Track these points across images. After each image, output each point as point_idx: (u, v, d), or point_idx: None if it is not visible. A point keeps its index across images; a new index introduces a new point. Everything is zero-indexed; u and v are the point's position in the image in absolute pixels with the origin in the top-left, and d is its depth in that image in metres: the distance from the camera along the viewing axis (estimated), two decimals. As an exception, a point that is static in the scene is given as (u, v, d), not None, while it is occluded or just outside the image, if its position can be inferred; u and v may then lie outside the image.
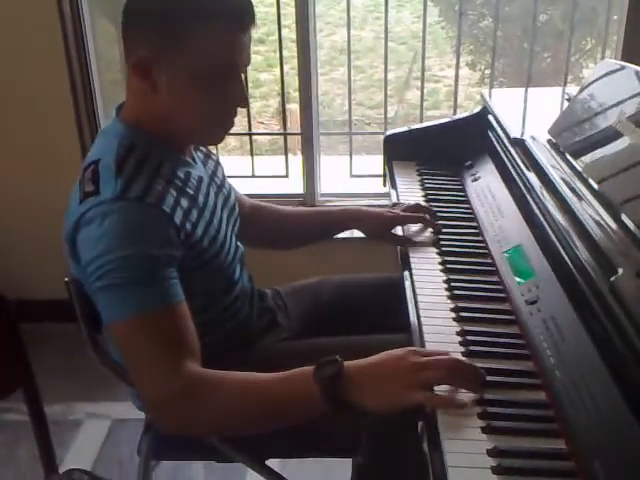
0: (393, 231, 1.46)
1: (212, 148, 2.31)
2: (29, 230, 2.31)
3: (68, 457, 1.89)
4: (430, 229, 1.44)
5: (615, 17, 2.33)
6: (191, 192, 1.14)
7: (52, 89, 2.21)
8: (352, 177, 2.47)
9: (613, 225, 1.08)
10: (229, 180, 1.36)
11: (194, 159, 1.22)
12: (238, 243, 1.30)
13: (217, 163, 1.31)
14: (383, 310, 1.38)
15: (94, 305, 1.12)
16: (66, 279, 1.17)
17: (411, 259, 1.35)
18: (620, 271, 0.96)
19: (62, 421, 2.01)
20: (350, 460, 1.40)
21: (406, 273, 1.30)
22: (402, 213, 1.47)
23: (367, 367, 0.98)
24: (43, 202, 2.16)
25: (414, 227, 1.46)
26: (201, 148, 1.29)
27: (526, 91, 2.04)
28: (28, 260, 2.33)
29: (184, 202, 1.11)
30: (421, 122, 2.24)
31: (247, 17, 1.08)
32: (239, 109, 1.15)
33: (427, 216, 1.46)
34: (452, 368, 0.96)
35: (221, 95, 1.09)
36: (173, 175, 1.12)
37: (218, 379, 1.02)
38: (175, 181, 1.12)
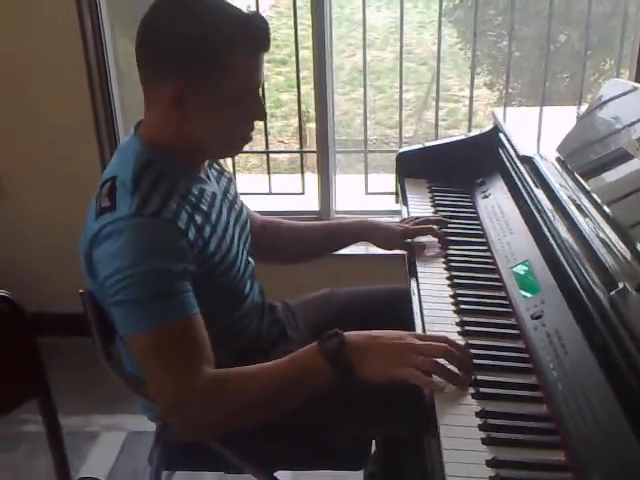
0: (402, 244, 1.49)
1: (230, 165, 2.38)
2: (47, 243, 2.35)
3: (84, 468, 1.93)
4: (437, 241, 1.46)
5: (632, 38, 2.34)
6: (205, 208, 1.18)
7: (73, 105, 2.26)
8: (367, 194, 2.51)
9: (617, 242, 1.09)
10: (244, 197, 1.40)
11: (208, 176, 1.25)
12: (249, 258, 1.33)
13: (230, 180, 1.35)
14: (392, 321, 1.39)
15: (108, 317, 1.15)
16: (81, 290, 1.20)
17: (419, 273, 1.36)
18: (620, 285, 0.97)
19: (78, 433, 2.04)
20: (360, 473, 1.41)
21: (413, 285, 1.32)
22: (412, 227, 1.50)
23: (367, 338, 1.06)
24: (61, 216, 2.21)
25: (424, 240, 1.48)
26: (215, 165, 1.32)
27: (541, 110, 2.05)
28: (46, 273, 2.37)
29: (198, 218, 1.15)
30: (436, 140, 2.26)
31: (267, 37, 1.12)
32: (262, 126, 1.20)
33: (435, 227, 1.49)
34: (444, 356, 1.03)
35: (243, 114, 1.15)
36: (188, 192, 1.16)
37: (232, 376, 1.08)
38: (189, 198, 1.16)
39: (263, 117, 1.19)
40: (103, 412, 2.13)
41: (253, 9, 1.14)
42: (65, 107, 2.26)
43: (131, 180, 1.10)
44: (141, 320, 1.06)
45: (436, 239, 1.47)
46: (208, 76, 1.09)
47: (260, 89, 1.18)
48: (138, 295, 1.05)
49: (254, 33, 1.10)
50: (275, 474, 1.30)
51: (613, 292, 0.98)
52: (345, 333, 1.06)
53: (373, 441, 1.39)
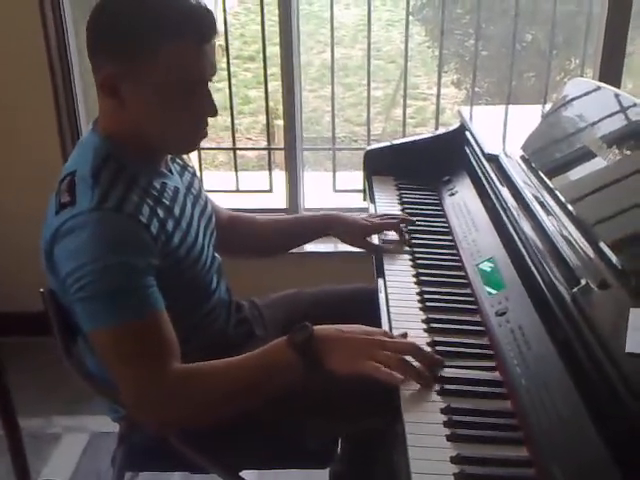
0: (368, 239, 1.50)
1: (195, 161, 2.35)
2: (6, 241, 2.29)
3: (46, 470, 1.89)
4: (402, 237, 1.48)
5: (596, 38, 2.37)
6: (167, 203, 1.16)
7: (35, 100, 2.21)
8: (335, 192, 2.50)
9: (579, 239, 1.11)
10: (212, 194, 1.39)
11: (170, 170, 1.24)
12: (215, 254, 1.32)
13: (194, 175, 1.33)
14: (359, 321, 1.40)
15: (70, 316, 1.13)
16: (41, 290, 1.18)
17: (386, 271, 1.37)
18: (583, 282, 0.98)
19: (40, 435, 2.00)
20: (326, 471, 1.41)
21: (380, 282, 1.32)
22: (377, 221, 1.50)
23: (336, 332, 1.07)
24: (20, 213, 2.16)
25: (389, 236, 1.50)
26: (178, 160, 1.31)
27: (507, 109, 2.06)
28: (4, 272, 2.31)
29: (160, 212, 1.13)
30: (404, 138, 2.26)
31: (208, 29, 1.09)
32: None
33: (395, 221, 1.51)
34: (410, 356, 1.04)
35: (189, 107, 1.11)
36: (149, 186, 1.14)
37: (200, 370, 1.08)
38: (151, 191, 1.14)
39: (213, 112, 1.14)
40: (65, 413, 2.09)
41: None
42: (26, 100, 2.21)
43: (90, 174, 1.08)
44: (105, 316, 1.04)
45: (398, 236, 1.48)
46: (136, 63, 1.06)
47: (209, 82, 1.13)
48: (101, 291, 1.03)
49: (193, 23, 1.07)
50: (241, 473, 1.28)
51: (575, 289, 1.00)
52: (315, 327, 1.06)
53: (339, 439, 1.39)
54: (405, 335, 1.12)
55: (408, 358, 1.04)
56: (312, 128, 5.31)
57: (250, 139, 5.41)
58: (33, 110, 2.23)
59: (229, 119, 2.46)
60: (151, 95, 1.09)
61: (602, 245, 1.06)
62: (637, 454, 0.78)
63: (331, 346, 1.04)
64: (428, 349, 1.09)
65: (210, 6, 1.11)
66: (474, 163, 1.61)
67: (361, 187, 1.86)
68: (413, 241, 1.48)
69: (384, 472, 1.23)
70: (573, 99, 1.48)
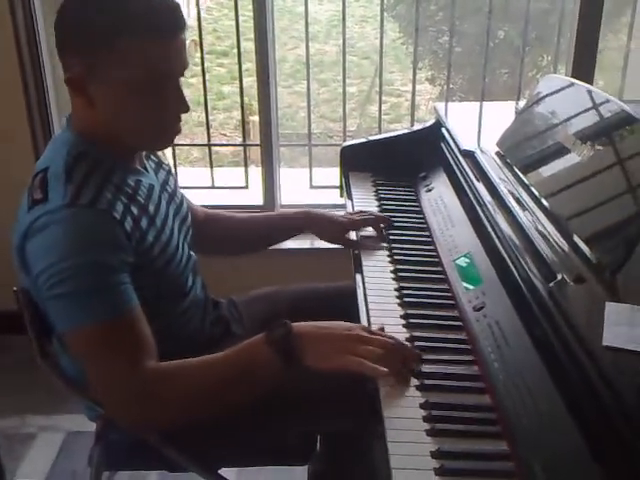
0: (347, 236, 1.50)
1: (170, 157, 2.33)
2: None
3: (20, 471, 1.86)
4: (380, 233, 1.49)
5: (569, 34, 2.40)
6: (142, 200, 1.15)
7: (5, 97, 2.17)
8: (312, 188, 2.50)
9: (555, 234, 1.13)
10: (187, 191, 1.37)
11: (145, 168, 1.22)
12: (191, 252, 1.30)
13: (169, 172, 1.32)
14: (340, 318, 1.40)
15: (44, 315, 1.11)
16: (15, 288, 1.16)
17: (364, 267, 1.37)
18: (559, 277, 0.99)
19: (15, 434, 1.97)
20: (305, 468, 1.41)
21: (358, 279, 1.32)
22: (355, 217, 1.51)
23: (314, 328, 1.06)
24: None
25: (367, 232, 1.50)
26: (152, 157, 1.29)
27: (481, 105, 2.08)
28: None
29: (134, 210, 1.12)
30: (380, 134, 2.27)
31: (174, 23, 1.07)
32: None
33: (373, 217, 1.51)
34: (391, 350, 1.04)
35: (159, 104, 1.10)
36: (123, 183, 1.13)
37: (178, 368, 1.06)
38: (125, 189, 1.12)
39: (184, 109, 1.12)
40: (39, 412, 2.06)
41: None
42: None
43: (64, 171, 1.06)
44: (79, 314, 1.02)
45: (375, 232, 1.49)
46: (98, 60, 1.04)
47: (180, 78, 1.11)
48: (75, 289, 1.01)
49: (154, 18, 1.04)
50: (220, 471, 1.28)
51: (552, 283, 1.01)
52: (293, 324, 1.05)
53: (318, 436, 1.39)
54: (382, 329, 1.12)
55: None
56: (287, 124, 5.30)
57: (225, 135, 5.39)
58: (3, 107, 2.18)
59: (203, 115, 2.45)
60: (119, 92, 1.07)
61: (577, 240, 1.08)
62: (614, 447, 0.79)
63: (310, 342, 1.04)
64: (407, 344, 1.09)
65: (182, 1, 1.10)
66: (450, 159, 1.62)
67: (337, 183, 1.86)
68: (390, 237, 1.48)
69: (363, 468, 1.23)
70: (547, 95, 1.50)
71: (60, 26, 1.08)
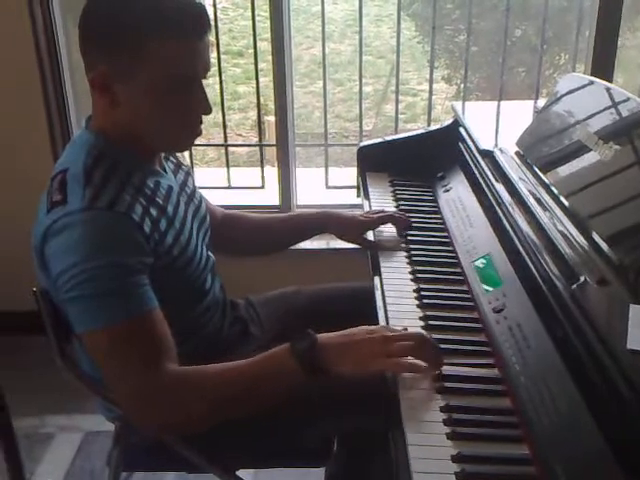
0: (364, 236, 1.49)
1: (187, 158, 2.33)
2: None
3: (39, 470, 1.88)
4: (398, 235, 1.48)
5: (587, 33, 2.38)
6: (160, 202, 1.15)
7: (24, 99, 2.18)
8: (328, 188, 2.49)
9: (576, 235, 1.11)
10: (203, 191, 1.37)
11: (164, 169, 1.22)
12: (209, 253, 1.30)
13: (187, 173, 1.32)
14: (358, 319, 1.40)
15: (63, 315, 1.12)
16: (34, 289, 1.16)
17: (382, 268, 1.36)
18: (582, 279, 0.98)
19: (34, 434, 1.99)
20: (322, 470, 1.40)
21: (377, 280, 1.31)
22: (374, 216, 1.50)
23: (339, 337, 1.05)
24: (13, 212, 2.14)
25: (385, 233, 1.49)
26: (171, 158, 1.29)
27: (498, 104, 2.06)
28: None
29: (153, 211, 1.11)
30: (396, 134, 2.26)
31: (201, 25, 1.08)
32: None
33: (396, 214, 1.52)
34: (418, 342, 1.03)
35: (183, 105, 1.10)
36: (142, 184, 1.13)
37: (197, 373, 1.06)
38: (144, 190, 1.12)
39: (207, 110, 1.13)
40: (58, 412, 2.08)
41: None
42: (15, 99, 2.19)
43: (83, 172, 1.06)
44: (98, 316, 1.02)
45: (395, 230, 1.49)
46: (124, 60, 1.05)
47: (203, 79, 1.12)
48: (93, 291, 1.01)
49: (181, 19, 1.05)
50: (237, 473, 1.28)
51: (574, 285, 0.99)
52: (318, 335, 1.04)
53: (335, 438, 1.38)
54: (405, 329, 1.11)
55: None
56: (302, 124, 5.29)
57: (241, 135, 5.39)
58: (23, 109, 2.20)
59: (219, 115, 2.45)
60: (143, 93, 1.07)
61: (599, 241, 1.06)
62: (637, 451, 0.78)
63: (337, 352, 1.03)
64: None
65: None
66: (468, 159, 1.60)
67: (353, 183, 1.85)
68: (408, 238, 1.47)
69: (380, 472, 1.22)
70: (567, 94, 1.48)
71: (86, 25, 1.08)
